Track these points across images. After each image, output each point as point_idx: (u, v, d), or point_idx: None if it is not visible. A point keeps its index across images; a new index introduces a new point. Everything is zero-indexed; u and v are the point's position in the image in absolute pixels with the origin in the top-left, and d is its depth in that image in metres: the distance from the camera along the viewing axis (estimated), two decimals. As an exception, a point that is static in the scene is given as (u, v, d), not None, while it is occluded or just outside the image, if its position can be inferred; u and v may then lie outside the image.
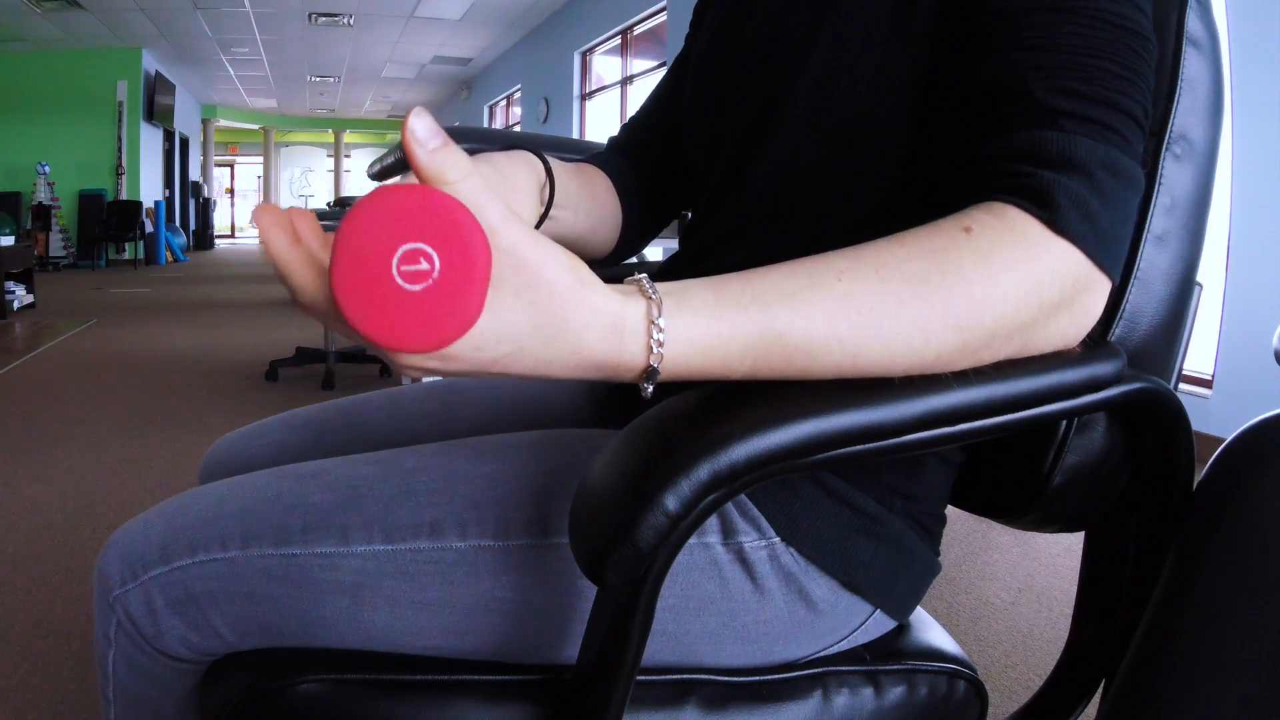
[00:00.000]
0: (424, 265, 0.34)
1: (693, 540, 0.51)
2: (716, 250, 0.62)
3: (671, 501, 0.36)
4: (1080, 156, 0.42)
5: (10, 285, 5.72)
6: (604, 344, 0.38)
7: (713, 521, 0.52)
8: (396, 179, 0.39)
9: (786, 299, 0.40)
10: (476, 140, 1.65)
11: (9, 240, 5.92)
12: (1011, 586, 1.75)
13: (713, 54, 0.68)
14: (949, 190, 0.47)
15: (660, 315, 0.38)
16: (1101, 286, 0.43)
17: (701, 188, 0.67)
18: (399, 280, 0.34)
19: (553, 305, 0.36)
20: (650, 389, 0.40)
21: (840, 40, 0.54)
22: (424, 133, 0.34)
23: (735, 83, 0.63)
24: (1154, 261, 0.54)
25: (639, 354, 0.38)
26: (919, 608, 0.62)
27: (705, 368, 0.40)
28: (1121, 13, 0.45)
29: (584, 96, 8.99)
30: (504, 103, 12.29)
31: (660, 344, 0.38)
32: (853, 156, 0.55)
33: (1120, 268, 0.44)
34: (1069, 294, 0.42)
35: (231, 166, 19.73)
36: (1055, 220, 0.41)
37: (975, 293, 0.40)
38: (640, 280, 0.40)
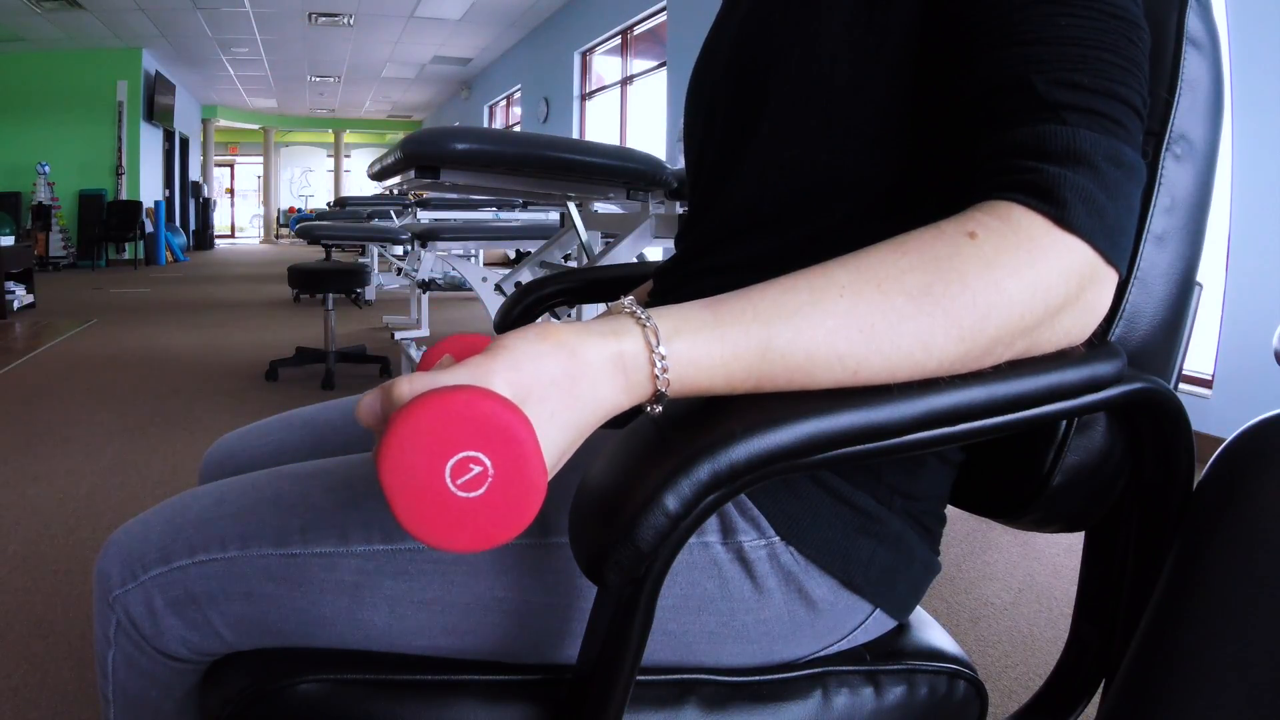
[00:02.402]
0: (477, 470, 0.33)
1: (692, 540, 0.51)
2: (712, 249, 0.62)
3: (672, 501, 0.36)
4: (1085, 149, 0.42)
5: (10, 285, 5.72)
6: (611, 391, 0.38)
7: (712, 521, 0.52)
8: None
9: (788, 316, 0.39)
10: (475, 140, 1.65)
11: (9, 240, 5.92)
12: (1011, 586, 1.75)
13: (707, 53, 0.68)
14: (946, 187, 0.47)
15: (659, 343, 0.38)
16: (1110, 280, 0.43)
17: (695, 187, 0.67)
18: (453, 490, 0.33)
19: (564, 398, 0.37)
20: (659, 409, 0.40)
21: (816, 36, 0.54)
22: (368, 411, 0.36)
23: (723, 81, 0.63)
24: (1154, 261, 0.54)
25: (645, 384, 0.39)
26: (919, 608, 0.62)
27: (710, 386, 0.40)
28: (1116, 2, 0.45)
29: (584, 96, 8.98)
30: (504, 103, 12.29)
31: (665, 370, 0.38)
32: (838, 153, 0.54)
33: (1127, 259, 0.43)
34: (1074, 292, 0.42)
35: (231, 166, 19.71)
36: (1063, 216, 0.41)
37: (979, 302, 0.40)
38: (631, 308, 0.40)
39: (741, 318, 0.39)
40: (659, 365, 0.38)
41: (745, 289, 0.41)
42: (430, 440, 0.33)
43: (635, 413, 0.41)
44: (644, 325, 0.39)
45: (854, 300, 0.40)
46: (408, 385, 0.36)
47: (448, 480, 0.33)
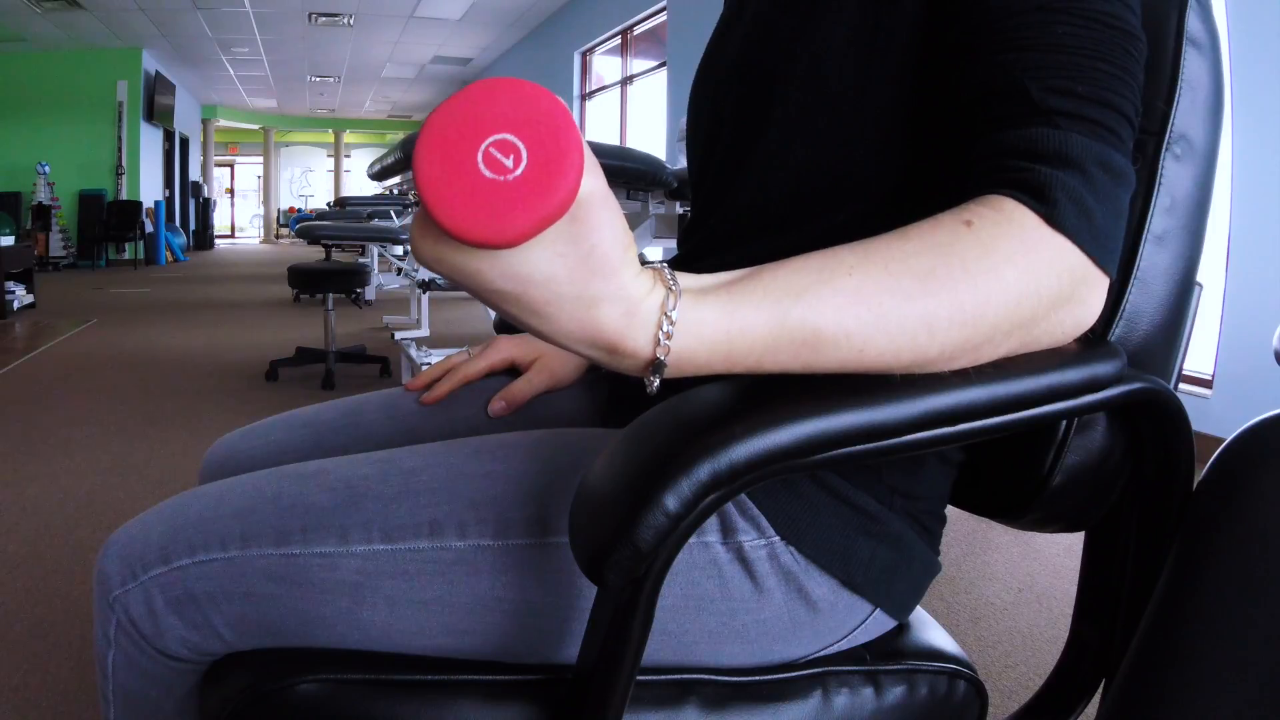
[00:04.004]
0: (510, 161, 0.34)
1: (692, 539, 0.51)
2: (715, 251, 0.62)
3: (672, 501, 0.36)
4: (1075, 153, 0.43)
5: (10, 285, 5.72)
6: (613, 323, 0.38)
7: (712, 520, 0.52)
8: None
9: (798, 294, 0.40)
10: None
11: (9, 240, 5.92)
12: (1011, 586, 1.75)
13: (711, 57, 0.68)
14: (947, 190, 0.47)
15: (674, 308, 0.38)
16: (1099, 283, 0.43)
17: (698, 190, 0.68)
18: (481, 164, 0.34)
19: (590, 265, 0.37)
20: (656, 383, 0.40)
21: (824, 41, 0.55)
22: None
23: (729, 85, 0.63)
24: (1154, 261, 0.54)
25: (644, 344, 0.38)
26: (919, 607, 0.62)
27: (709, 363, 0.40)
28: (1113, 12, 0.45)
29: (584, 96, 8.99)
30: (504, 103, 12.27)
31: (668, 335, 0.38)
32: (844, 157, 0.55)
33: (1115, 264, 0.44)
34: (1068, 288, 0.42)
35: (231, 166, 19.71)
36: (1053, 215, 0.41)
37: (979, 286, 0.40)
38: (663, 269, 0.40)
39: (752, 294, 0.40)
40: (664, 329, 0.38)
41: (755, 268, 0.41)
42: (504, 104, 0.34)
43: (636, 413, 0.41)
44: (670, 290, 0.39)
45: (862, 279, 0.40)
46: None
47: (485, 144, 0.34)
